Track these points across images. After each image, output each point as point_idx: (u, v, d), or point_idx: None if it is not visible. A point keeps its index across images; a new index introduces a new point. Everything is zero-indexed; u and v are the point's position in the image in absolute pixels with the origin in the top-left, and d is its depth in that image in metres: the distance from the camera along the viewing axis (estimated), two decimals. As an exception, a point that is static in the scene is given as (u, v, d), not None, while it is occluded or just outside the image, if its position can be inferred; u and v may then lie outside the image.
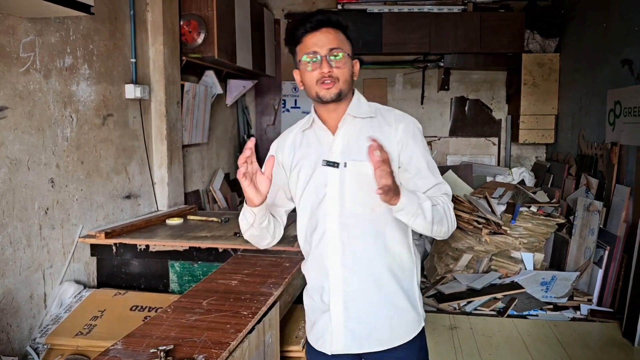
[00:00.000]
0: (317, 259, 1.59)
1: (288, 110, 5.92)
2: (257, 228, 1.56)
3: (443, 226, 1.48)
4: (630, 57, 3.84)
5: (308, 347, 1.68)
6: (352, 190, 1.52)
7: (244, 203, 1.53)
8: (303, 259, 2.39)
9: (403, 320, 1.57)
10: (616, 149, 3.97)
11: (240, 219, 1.59)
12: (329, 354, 1.56)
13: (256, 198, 1.46)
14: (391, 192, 1.33)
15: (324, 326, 1.57)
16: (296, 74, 1.60)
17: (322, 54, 1.49)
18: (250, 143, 1.38)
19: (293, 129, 1.70)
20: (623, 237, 3.73)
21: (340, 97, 1.52)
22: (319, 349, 1.59)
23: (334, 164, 1.53)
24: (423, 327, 1.62)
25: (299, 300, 2.51)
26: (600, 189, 4.20)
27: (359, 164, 1.51)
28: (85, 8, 2.30)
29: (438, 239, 1.59)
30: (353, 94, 1.61)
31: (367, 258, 1.53)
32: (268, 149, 1.70)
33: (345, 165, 1.52)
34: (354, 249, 1.53)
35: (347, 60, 1.51)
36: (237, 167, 5.79)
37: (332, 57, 1.49)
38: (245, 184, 1.42)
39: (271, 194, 1.57)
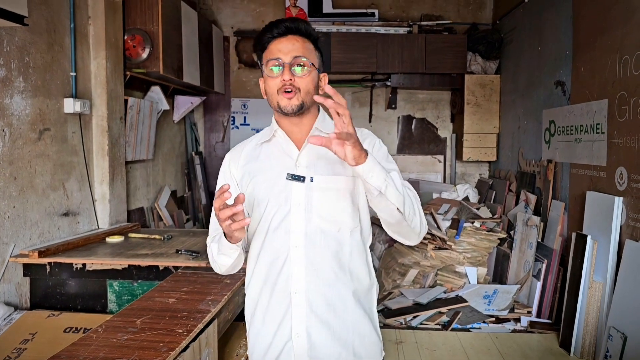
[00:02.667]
0: (275, 283, 1.45)
1: (237, 127, 5.90)
2: (238, 258, 1.46)
3: (415, 215, 1.38)
4: (562, 79, 4.05)
5: None
6: (319, 206, 1.44)
7: (220, 240, 1.41)
8: (243, 276, 2.38)
9: (367, 347, 1.49)
10: (551, 166, 4.16)
11: (216, 255, 1.46)
12: None
13: (241, 234, 1.34)
14: (356, 143, 1.23)
15: (286, 357, 1.44)
16: (261, 82, 1.53)
17: (285, 61, 1.42)
18: (226, 187, 1.25)
19: (249, 142, 1.61)
20: (559, 250, 3.88)
21: (302, 109, 1.45)
22: None
23: (300, 178, 1.43)
24: (384, 356, 1.55)
25: (240, 317, 2.48)
26: (538, 204, 4.37)
27: (326, 178, 1.45)
28: (19, 19, 2.24)
29: (407, 242, 1.47)
30: (318, 110, 1.55)
31: (333, 280, 1.44)
32: (217, 166, 1.61)
33: (312, 180, 1.44)
34: (319, 270, 1.43)
35: (311, 71, 1.45)
36: (184, 184, 5.65)
37: (296, 66, 1.43)
38: (229, 225, 1.27)
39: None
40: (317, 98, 1.25)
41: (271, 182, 1.47)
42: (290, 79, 1.42)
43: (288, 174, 1.44)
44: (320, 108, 1.55)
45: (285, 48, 1.44)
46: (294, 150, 1.49)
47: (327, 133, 1.45)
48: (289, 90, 1.42)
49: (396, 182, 1.32)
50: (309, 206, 1.43)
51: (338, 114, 1.20)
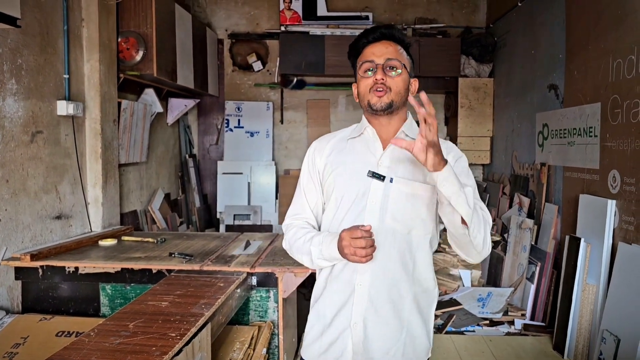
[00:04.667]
0: (342, 272, 1.53)
1: (231, 130, 5.89)
2: None
3: (480, 233, 1.40)
4: (555, 82, 4.07)
5: None
6: (394, 207, 1.49)
7: (329, 248, 1.49)
8: (237, 278, 2.37)
9: (417, 349, 1.54)
10: (545, 169, 4.17)
11: (316, 259, 1.53)
12: None
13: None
14: (438, 152, 1.29)
15: (343, 344, 1.51)
16: (354, 87, 1.62)
17: (378, 62, 1.50)
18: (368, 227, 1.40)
19: (335, 135, 1.68)
20: (552, 253, 3.89)
21: (391, 108, 1.52)
22: None
23: (380, 177, 1.50)
24: (429, 357, 1.60)
25: (234, 320, 2.47)
26: (532, 207, 4.39)
27: (405, 182, 1.50)
28: (12, 21, 2.23)
29: (467, 258, 1.51)
30: (407, 115, 1.62)
31: (396, 280, 1.50)
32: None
33: (391, 181, 1.50)
34: (385, 268, 1.50)
35: (403, 72, 1.52)
36: (178, 187, 5.62)
37: (388, 67, 1.50)
38: (366, 256, 1.39)
39: (318, 203, 1.63)
40: (411, 99, 1.33)
41: (352, 175, 1.54)
42: (382, 78, 1.49)
43: (369, 171, 1.50)
44: (409, 113, 1.63)
45: (379, 51, 1.52)
46: (379, 148, 1.56)
47: (413, 138, 1.52)
48: (380, 89, 1.50)
49: (468, 196, 1.35)
50: (385, 205, 1.50)
51: (425, 121, 1.25)
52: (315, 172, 1.63)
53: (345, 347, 1.51)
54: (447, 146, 1.57)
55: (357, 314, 1.50)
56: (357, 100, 1.59)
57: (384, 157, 1.53)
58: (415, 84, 1.59)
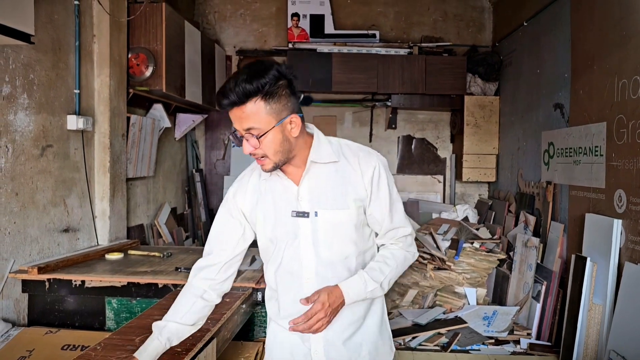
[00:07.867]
0: (294, 309, 1.51)
1: (238, 146, 5.92)
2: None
3: (395, 279, 1.56)
4: (561, 101, 4.09)
5: None
6: (326, 239, 1.49)
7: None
8: (243, 294, 2.38)
9: (379, 353, 1.60)
10: (551, 187, 4.17)
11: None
12: None
13: None
14: (333, 312, 1.45)
15: None
16: None
17: (240, 133, 1.41)
18: None
19: (252, 173, 1.60)
20: (558, 272, 3.87)
21: (279, 166, 1.46)
22: None
23: (304, 214, 1.48)
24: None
25: (239, 336, 2.47)
26: (538, 225, 4.38)
27: (329, 212, 1.49)
28: (25, 37, 2.27)
29: None
30: (313, 135, 1.54)
31: (348, 304, 1.50)
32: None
33: (316, 215, 1.48)
34: None
35: (266, 137, 1.39)
36: (184, 201, 5.62)
37: (250, 137, 1.40)
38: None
39: (228, 250, 1.56)
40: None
41: (278, 219, 1.52)
42: (250, 152, 1.42)
43: (292, 211, 1.49)
44: (314, 135, 1.54)
45: (236, 120, 1.40)
46: (292, 186, 1.51)
47: (325, 162, 1.51)
48: (258, 159, 1.45)
49: (375, 294, 1.51)
50: (316, 240, 1.50)
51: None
52: (240, 213, 1.57)
53: None
54: (368, 154, 1.57)
55: (315, 343, 1.53)
56: None
57: (301, 191, 1.50)
58: (295, 121, 1.43)
